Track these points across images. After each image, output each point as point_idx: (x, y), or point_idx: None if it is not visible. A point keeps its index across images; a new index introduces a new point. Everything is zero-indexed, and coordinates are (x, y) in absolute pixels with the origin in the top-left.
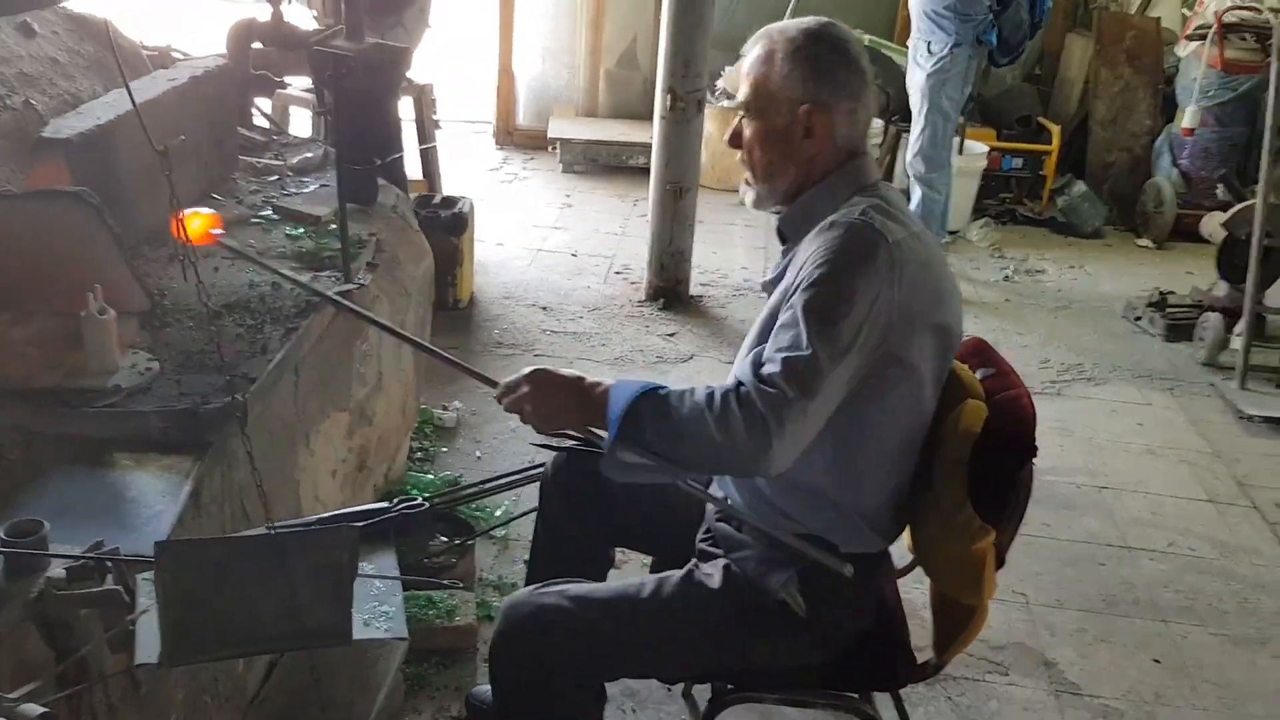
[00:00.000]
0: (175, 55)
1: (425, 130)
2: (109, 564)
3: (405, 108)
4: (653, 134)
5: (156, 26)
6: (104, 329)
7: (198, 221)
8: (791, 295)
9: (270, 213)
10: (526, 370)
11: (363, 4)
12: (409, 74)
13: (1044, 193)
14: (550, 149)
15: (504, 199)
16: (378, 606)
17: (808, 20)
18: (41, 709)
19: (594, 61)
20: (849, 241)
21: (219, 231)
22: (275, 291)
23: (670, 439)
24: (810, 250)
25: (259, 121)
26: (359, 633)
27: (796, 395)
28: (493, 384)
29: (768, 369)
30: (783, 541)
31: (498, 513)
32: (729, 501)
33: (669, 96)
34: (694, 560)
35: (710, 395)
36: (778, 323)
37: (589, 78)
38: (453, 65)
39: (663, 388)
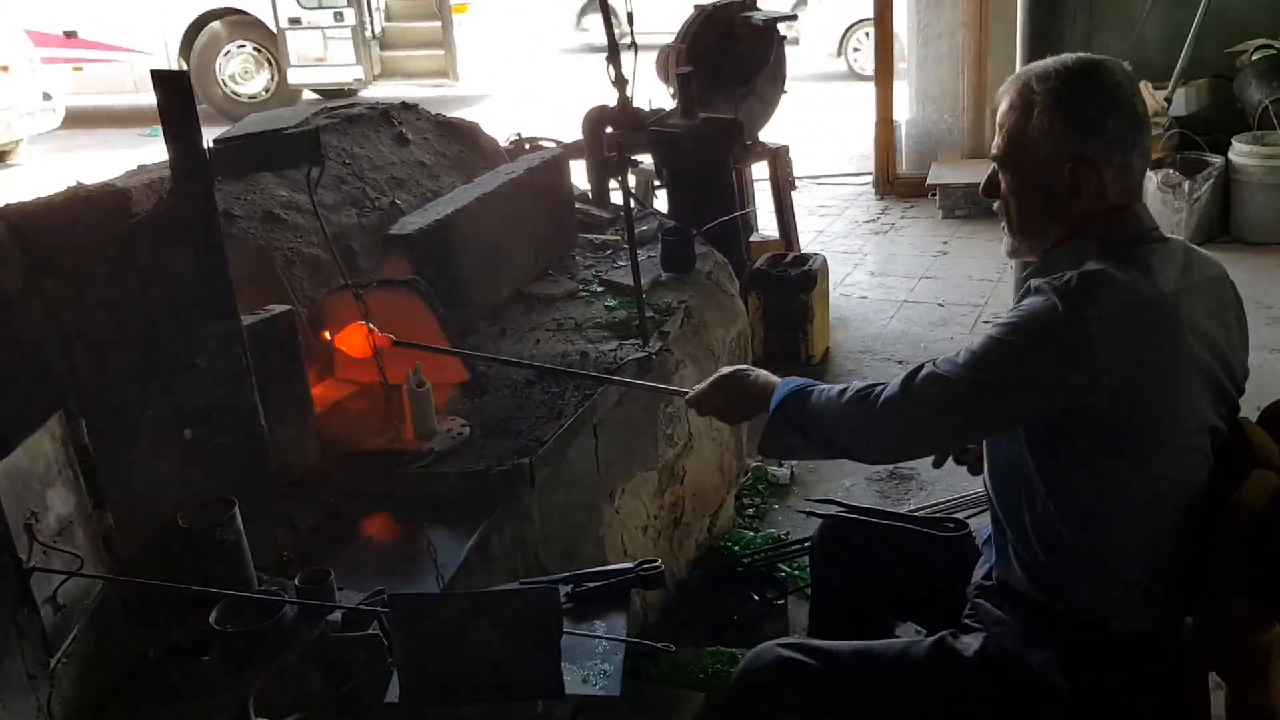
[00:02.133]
0: (544, 144)
1: (781, 190)
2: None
3: (760, 169)
4: None
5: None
6: (422, 400)
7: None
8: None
9: (597, 286)
10: (715, 376)
11: (710, 79)
12: (762, 137)
13: None
14: (929, 195)
15: (876, 250)
16: (598, 665)
17: (1070, 61)
18: None
19: (977, 102)
20: (1033, 309)
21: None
22: (581, 360)
23: (808, 422)
24: (1020, 302)
25: (616, 198)
26: (574, 688)
27: (915, 406)
28: (683, 394)
29: (924, 377)
30: (1046, 617)
31: None
32: (992, 573)
33: None
34: (950, 630)
35: (848, 389)
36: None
37: (973, 119)
38: (827, 121)
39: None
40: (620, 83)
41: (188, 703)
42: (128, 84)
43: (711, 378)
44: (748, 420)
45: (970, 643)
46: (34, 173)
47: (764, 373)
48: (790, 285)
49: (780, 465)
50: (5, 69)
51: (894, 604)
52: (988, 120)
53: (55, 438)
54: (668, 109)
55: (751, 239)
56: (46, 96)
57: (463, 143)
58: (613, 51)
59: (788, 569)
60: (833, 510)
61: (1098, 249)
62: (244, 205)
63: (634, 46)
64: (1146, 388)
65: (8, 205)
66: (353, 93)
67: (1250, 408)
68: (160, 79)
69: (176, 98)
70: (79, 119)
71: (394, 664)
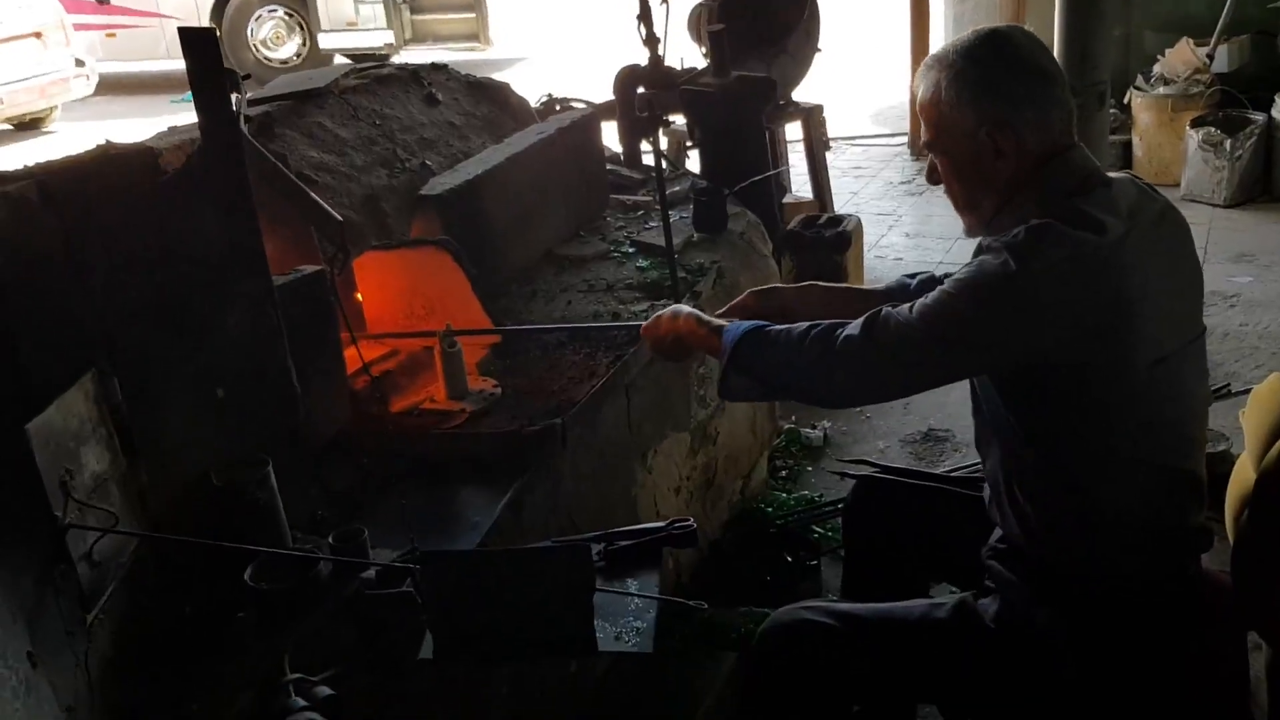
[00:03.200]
0: (575, 105)
1: (814, 151)
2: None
3: (794, 130)
4: None
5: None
6: (454, 360)
7: None
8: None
9: (629, 247)
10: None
11: (742, 37)
12: (796, 97)
13: None
14: None
15: (911, 211)
16: (632, 621)
17: (966, 36)
18: (329, 691)
19: None
20: (984, 265)
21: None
22: (615, 319)
23: (768, 360)
24: (974, 258)
25: (649, 160)
26: (607, 645)
27: (873, 349)
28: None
29: (887, 316)
30: (1046, 574)
31: None
32: (1002, 536)
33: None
34: (973, 592)
35: (811, 329)
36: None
37: None
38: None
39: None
40: (651, 41)
41: (224, 660)
42: (160, 49)
43: (659, 313)
44: (685, 359)
45: (989, 605)
46: (68, 140)
47: (688, 309)
48: (824, 247)
49: (814, 427)
50: (38, 35)
51: (928, 564)
52: None
53: (88, 395)
54: (700, 68)
55: (785, 200)
56: (79, 63)
57: (493, 103)
58: (644, 10)
59: (821, 530)
60: (866, 470)
61: (1037, 204)
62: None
63: (665, 4)
64: (1099, 334)
65: (37, 164)
66: (384, 58)
67: None
68: (187, 37)
69: (204, 55)
70: (112, 85)
71: (426, 621)
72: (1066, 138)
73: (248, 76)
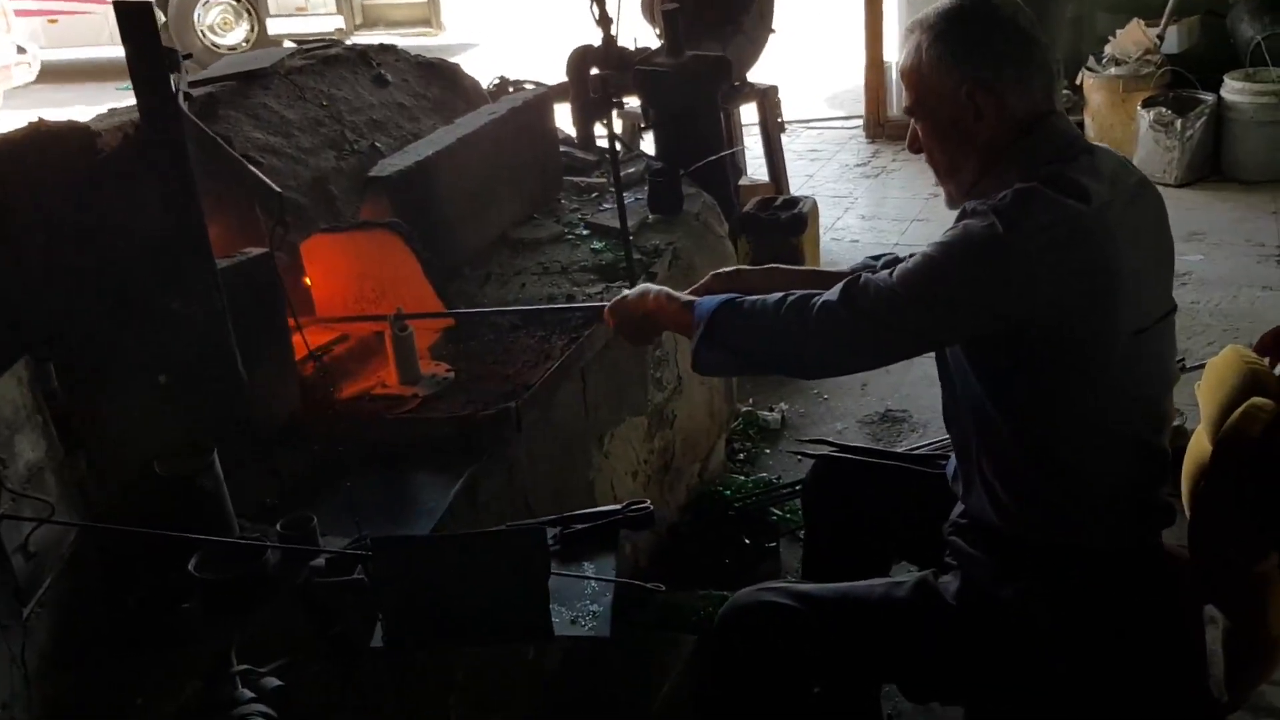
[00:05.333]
0: (528, 87)
1: (770, 133)
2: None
3: (749, 112)
4: None
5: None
6: (405, 345)
7: None
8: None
9: (583, 229)
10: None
11: (696, 17)
12: (751, 79)
13: None
14: None
15: (866, 194)
16: (588, 605)
17: (948, 1)
18: (277, 682)
19: None
20: (970, 227)
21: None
22: (569, 302)
23: (743, 330)
24: (958, 222)
25: (603, 142)
26: (563, 629)
27: (850, 314)
28: (601, 308)
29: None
30: (1014, 549)
31: None
32: (964, 511)
33: None
34: (933, 570)
35: (786, 297)
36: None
37: None
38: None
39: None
40: (604, 21)
41: (169, 651)
42: (104, 35)
43: (625, 293)
44: (651, 340)
45: (950, 582)
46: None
47: (663, 288)
48: (780, 229)
49: (771, 409)
50: None
51: (888, 543)
52: None
53: (22, 382)
54: (654, 48)
55: (741, 182)
56: (21, 50)
57: (443, 84)
58: None
59: (779, 512)
60: (824, 450)
61: (1020, 170)
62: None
63: None
64: (1085, 302)
65: None
66: (335, 43)
67: (1243, 343)
68: (123, 12)
69: (140, 32)
70: (55, 73)
71: (377, 608)
72: (1048, 103)
73: (189, 56)
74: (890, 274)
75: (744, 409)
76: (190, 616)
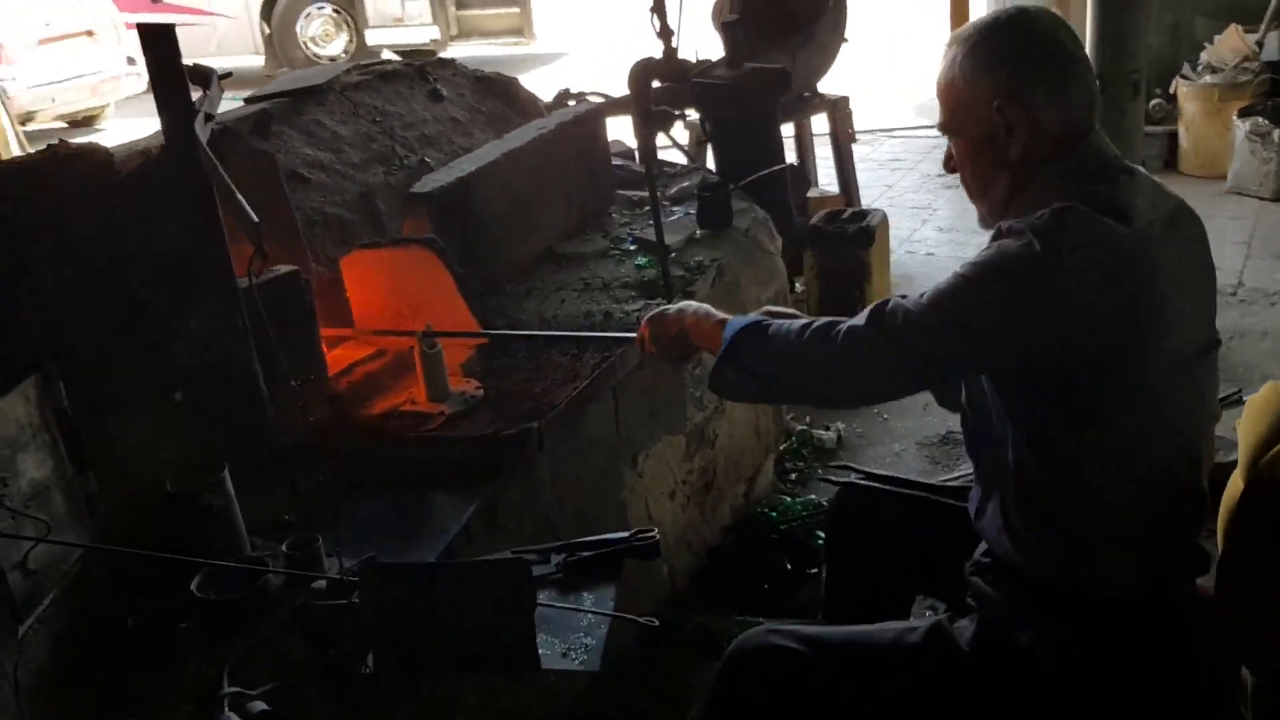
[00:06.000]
0: (592, 99)
1: (840, 143)
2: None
3: (819, 123)
4: None
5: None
6: (434, 362)
7: None
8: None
9: (630, 244)
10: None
11: (765, 27)
12: (821, 89)
13: None
14: None
15: (947, 205)
16: (581, 637)
17: (986, 15)
18: (264, 706)
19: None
20: (1005, 247)
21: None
22: (606, 320)
23: (766, 355)
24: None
25: (666, 155)
26: (552, 661)
27: (878, 337)
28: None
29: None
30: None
31: None
32: (986, 550)
33: (1099, 81)
34: (947, 613)
35: (811, 322)
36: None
37: None
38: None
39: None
40: (665, 34)
41: (165, 671)
42: (211, 47)
43: (653, 312)
44: (687, 360)
45: (966, 627)
46: (119, 137)
47: (704, 306)
48: (846, 242)
49: (827, 428)
50: (90, 34)
51: (912, 579)
52: None
53: (29, 400)
54: (714, 60)
55: (810, 194)
56: (130, 61)
57: (499, 98)
58: (658, 2)
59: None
60: (849, 477)
61: (1058, 189)
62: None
63: None
64: (1123, 328)
65: None
66: (430, 54)
67: None
68: (146, 35)
69: (163, 52)
70: None
71: (365, 633)
72: (1086, 121)
73: (227, 75)
74: (921, 296)
75: (800, 427)
76: (188, 636)
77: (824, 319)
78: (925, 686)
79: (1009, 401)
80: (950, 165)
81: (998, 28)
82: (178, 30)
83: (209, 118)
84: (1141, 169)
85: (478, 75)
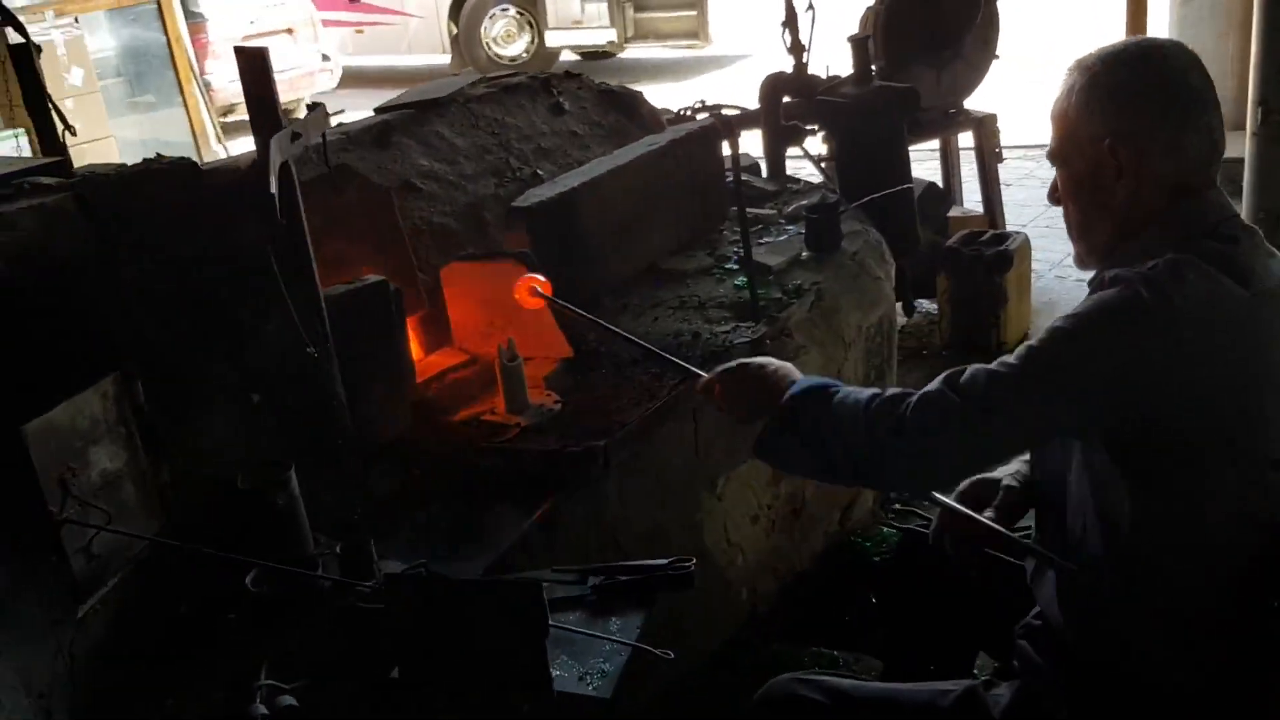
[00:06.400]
0: (728, 112)
1: (986, 162)
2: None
3: (965, 140)
4: (1244, 153)
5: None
6: (514, 374)
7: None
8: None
9: (734, 263)
10: (731, 363)
11: (912, 41)
12: (969, 105)
13: None
14: None
15: None
16: (600, 663)
17: (1117, 43)
18: (292, 701)
19: (1240, 70)
20: (1108, 298)
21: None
22: (694, 341)
23: (826, 421)
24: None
25: (800, 170)
26: (567, 685)
27: (957, 400)
28: (699, 376)
29: (956, 381)
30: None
31: None
32: (1039, 613)
33: (1260, 109)
34: (988, 678)
35: (883, 392)
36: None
37: (1234, 88)
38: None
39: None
40: (796, 49)
41: (207, 659)
42: (403, 45)
43: (725, 365)
44: (757, 421)
45: (1002, 695)
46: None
47: (789, 367)
48: (982, 266)
49: None
50: (290, 31)
51: (972, 633)
52: (1249, 89)
53: (106, 396)
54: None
55: (952, 213)
56: (325, 57)
57: (621, 112)
58: (790, 16)
59: None
60: (914, 524)
61: (1166, 241)
62: (382, 174)
63: (811, 9)
64: (1228, 398)
65: (83, 178)
66: (608, 55)
67: None
68: (241, 55)
69: (255, 74)
70: (355, 79)
71: (390, 642)
72: (1204, 174)
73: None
74: (1010, 355)
75: None
76: (234, 627)
77: (898, 389)
78: None
79: (1086, 464)
80: (1055, 197)
81: (1122, 61)
82: (373, 30)
83: (295, 136)
84: (1258, 230)
85: (602, 89)
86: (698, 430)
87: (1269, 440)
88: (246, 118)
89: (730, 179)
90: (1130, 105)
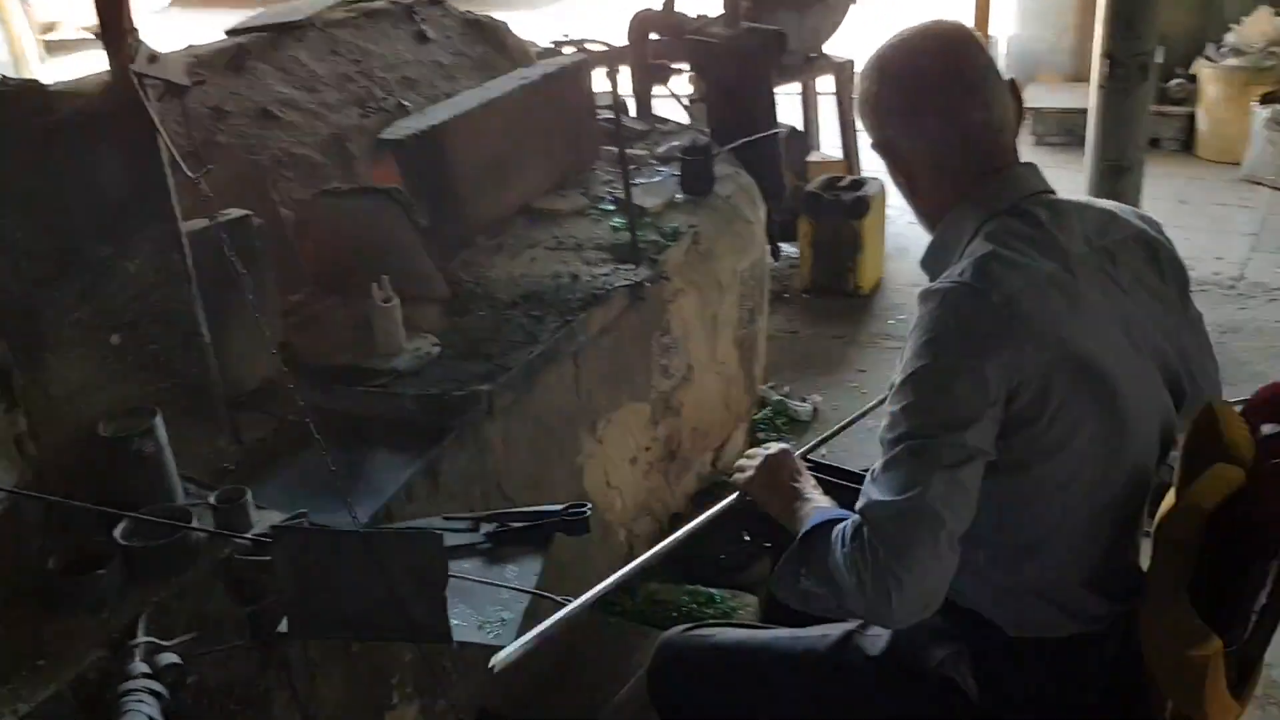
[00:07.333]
0: (591, 47)
1: (844, 108)
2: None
3: (825, 85)
4: (1089, 105)
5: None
6: (388, 316)
7: None
8: (895, 380)
9: (609, 204)
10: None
11: None
12: (827, 51)
13: None
14: (1025, 119)
15: None
16: (500, 611)
17: (891, 38)
18: (175, 659)
19: (1084, 21)
20: (943, 317)
21: None
22: (573, 282)
23: (823, 573)
24: (912, 323)
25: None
26: (466, 634)
27: (909, 541)
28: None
29: (873, 510)
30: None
31: None
32: None
33: (1106, 61)
34: (862, 624)
35: (843, 533)
36: (886, 410)
37: (1077, 40)
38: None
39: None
40: None
41: (82, 616)
42: None
43: (764, 451)
44: (775, 514)
45: (877, 638)
46: None
47: (811, 482)
48: (841, 210)
49: (804, 400)
50: None
51: None
52: (1095, 41)
53: None
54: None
55: (810, 158)
56: None
57: (489, 44)
58: None
59: None
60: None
61: (974, 212)
62: (238, 100)
63: None
64: (1053, 371)
65: None
66: None
67: None
68: None
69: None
70: None
71: (282, 595)
72: (1001, 155)
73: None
74: (886, 435)
75: (775, 397)
76: (107, 582)
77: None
78: (828, 695)
79: None
80: None
81: (864, 74)
82: None
83: (153, 59)
84: (1084, 199)
85: (467, 18)
86: (579, 374)
87: (1120, 398)
88: (69, 36)
89: (604, 117)
90: (899, 105)
